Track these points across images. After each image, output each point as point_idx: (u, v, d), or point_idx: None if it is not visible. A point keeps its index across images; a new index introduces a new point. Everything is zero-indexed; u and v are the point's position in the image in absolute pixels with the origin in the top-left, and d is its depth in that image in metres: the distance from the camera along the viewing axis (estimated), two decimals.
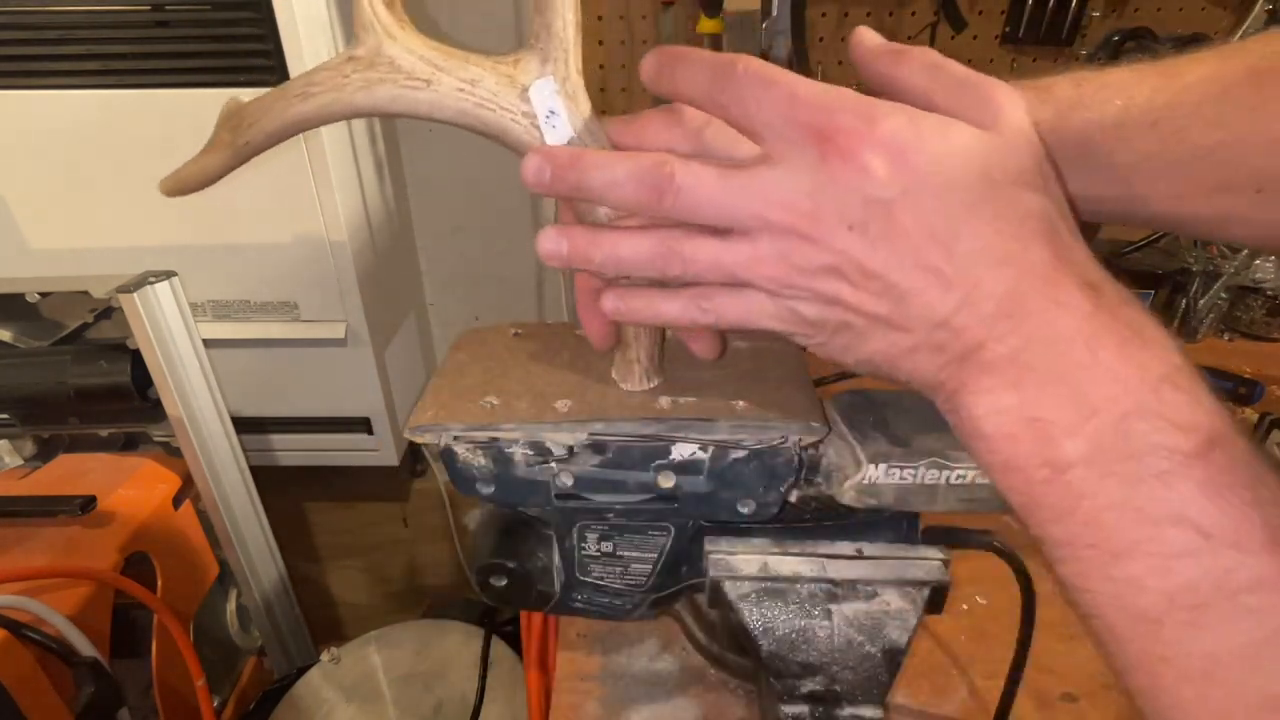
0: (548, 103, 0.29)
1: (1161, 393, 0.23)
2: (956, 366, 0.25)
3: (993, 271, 0.24)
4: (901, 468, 0.34)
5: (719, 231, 0.27)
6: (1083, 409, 0.23)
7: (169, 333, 0.83)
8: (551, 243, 0.30)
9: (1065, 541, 0.24)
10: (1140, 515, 0.22)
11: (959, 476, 0.35)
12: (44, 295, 0.84)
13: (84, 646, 0.72)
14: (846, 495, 0.35)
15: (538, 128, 0.29)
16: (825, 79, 0.26)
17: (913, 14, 0.91)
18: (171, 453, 0.93)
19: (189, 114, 0.76)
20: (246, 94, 0.31)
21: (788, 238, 0.26)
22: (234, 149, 0.30)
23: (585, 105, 0.30)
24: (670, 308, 0.30)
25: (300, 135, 0.30)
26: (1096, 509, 0.22)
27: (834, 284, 0.26)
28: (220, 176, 0.31)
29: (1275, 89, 0.29)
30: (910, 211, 0.24)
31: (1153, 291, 0.87)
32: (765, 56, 0.84)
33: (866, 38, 0.29)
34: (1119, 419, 0.22)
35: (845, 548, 0.39)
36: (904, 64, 0.27)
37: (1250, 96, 0.30)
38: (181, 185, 0.31)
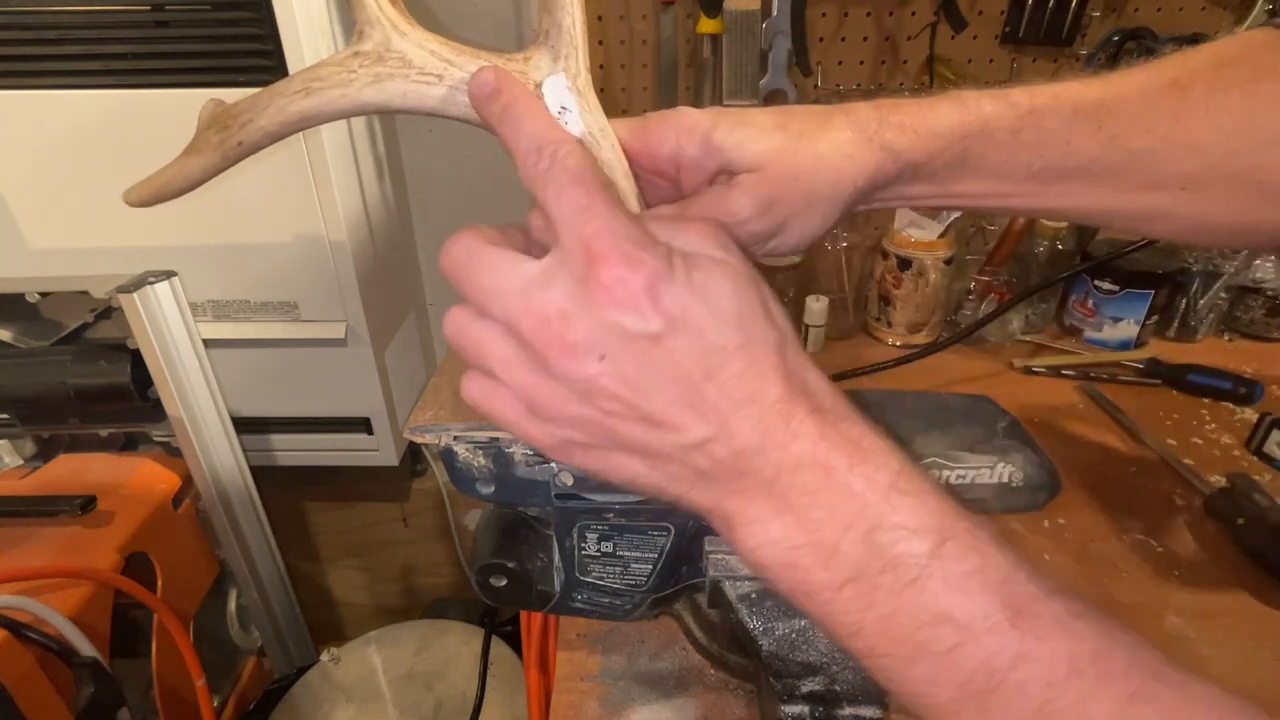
0: (560, 98, 0.29)
1: (892, 500, 0.24)
2: (721, 496, 0.26)
3: (739, 411, 0.24)
4: None
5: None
6: (835, 530, 0.24)
7: (169, 333, 0.83)
8: None
9: (866, 653, 0.25)
10: (913, 620, 0.23)
11: (959, 476, 0.35)
12: (44, 295, 0.84)
13: (84, 646, 0.72)
14: None
15: None
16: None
17: (913, 14, 0.91)
18: (171, 453, 0.93)
19: (189, 114, 0.75)
20: (239, 95, 0.30)
21: (533, 353, 0.25)
22: (222, 150, 0.29)
23: (594, 101, 0.30)
24: (469, 388, 0.28)
25: (300, 135, 0.30)
26: (879, 620, 0.24)
27: (583, 408, 0.25)
28: (205, 180, 0.30)
29: (1194, 98, 0.32)
30: (663, 354, 0.24)
31: (1153, 291, 0.87)
32: (765, 56, 0.84)
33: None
34: (865, 534, 0.24)
35: None
36: None
37: (1173, 105, 0.32)
38: (157, 192, 0.30)
